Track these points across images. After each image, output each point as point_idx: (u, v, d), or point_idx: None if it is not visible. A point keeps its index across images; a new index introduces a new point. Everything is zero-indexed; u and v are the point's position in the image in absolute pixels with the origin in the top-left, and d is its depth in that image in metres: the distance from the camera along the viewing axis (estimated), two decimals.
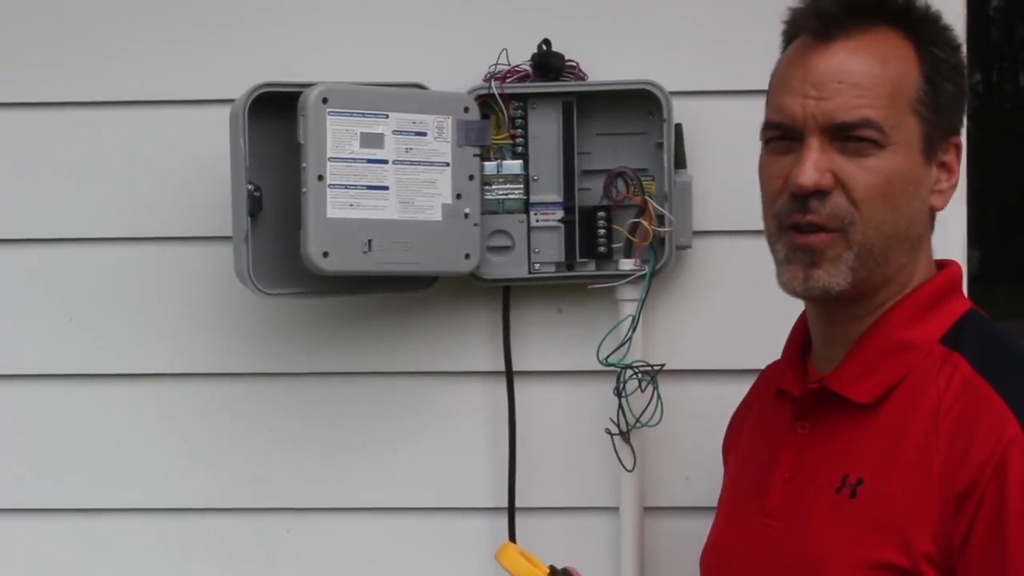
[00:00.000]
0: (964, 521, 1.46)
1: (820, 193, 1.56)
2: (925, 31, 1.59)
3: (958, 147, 1.61)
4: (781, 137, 1.62)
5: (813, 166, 1.56)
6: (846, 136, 1.56)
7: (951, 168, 1.60)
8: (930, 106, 1.57)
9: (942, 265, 1.66)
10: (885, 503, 1.52)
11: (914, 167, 1.57)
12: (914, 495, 1.49)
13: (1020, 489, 1.44)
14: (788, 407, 1.68)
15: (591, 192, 2.15)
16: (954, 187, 1.61)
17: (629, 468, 2.12)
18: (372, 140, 2.01)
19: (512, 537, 2.17)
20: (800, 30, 1.63)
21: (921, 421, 1.53)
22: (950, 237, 2.09)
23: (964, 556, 1.46)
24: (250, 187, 2.02)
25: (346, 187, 2.00)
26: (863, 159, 1.56)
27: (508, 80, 2.12)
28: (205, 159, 2.17)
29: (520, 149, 2.13)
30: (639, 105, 2.13)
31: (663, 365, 2.10)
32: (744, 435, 1.83)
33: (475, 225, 2.08)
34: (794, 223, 1.59)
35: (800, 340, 1.74)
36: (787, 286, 1.62)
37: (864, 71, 1.56)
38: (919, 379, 1.56)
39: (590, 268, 2.14)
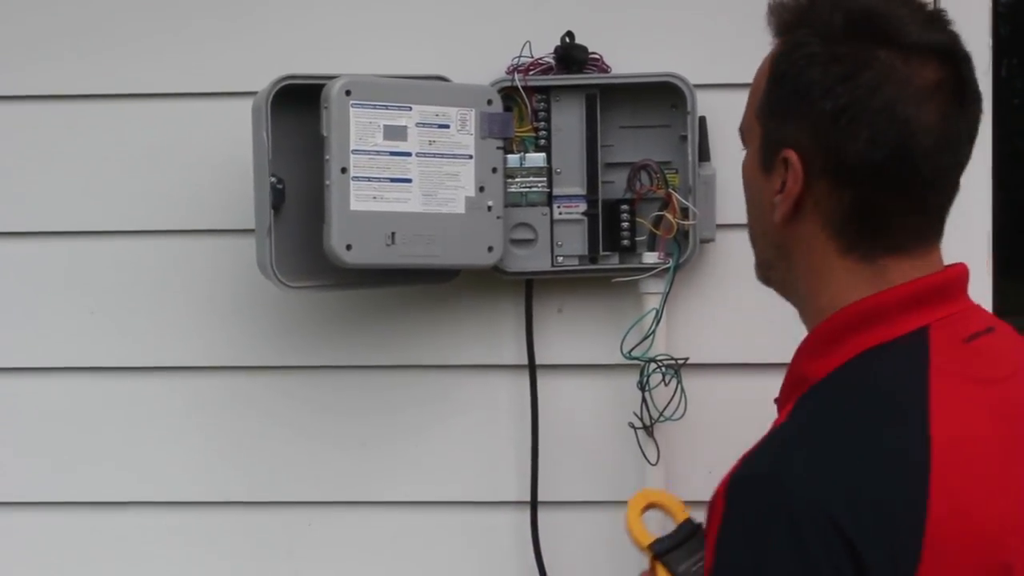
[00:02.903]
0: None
1: None
2: (792, 40, 1.49)
3: (786, 163, 1.46)
4: None
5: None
6: None
7: (783, 183, 1.47)
8: (766, 114, 1.51)
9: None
10: None
11: (754, 173, 1.54)
12: None
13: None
14: None
15: (614, 185, 2.15)
16: (787, 201, 1.47)
17: (653, 462, 2.12)
18: (395, 132, 2.01)
19: (535, 532, 2.16)
20: None
21: None
22: (973, 238, 2.09)
23: None
24: (273, 180, 2.01)
25: (369, 180, 1.99)
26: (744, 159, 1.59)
27: (531, 72, 2.12)
28: (228, 152, 2.17)
29: (543, 142, 2.13)
30: (663, 98, 2.12)
31: (687, 359, 2.10)
32: None
33: (498, 218, 2.08)
34: None
35: None
36: None
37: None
38: None
39: (613, 261, 2.14)
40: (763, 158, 1.52)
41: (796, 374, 1.54)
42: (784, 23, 1.52)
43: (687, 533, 1.79)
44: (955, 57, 1.46)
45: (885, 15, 1.46)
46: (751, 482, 1.40)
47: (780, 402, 1.56)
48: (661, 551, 1.78)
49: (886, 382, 1.44)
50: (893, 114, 1.42)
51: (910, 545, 1.36)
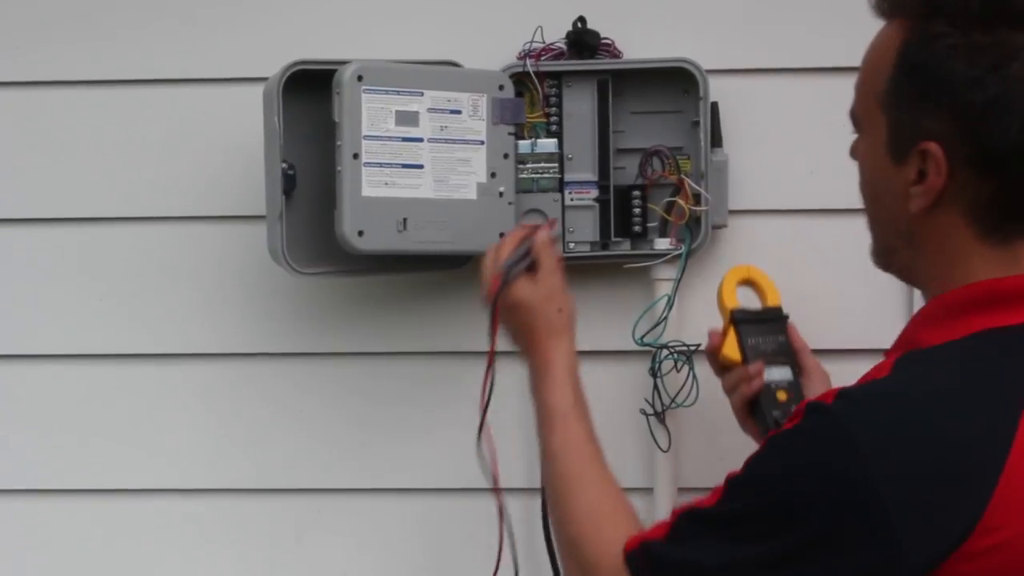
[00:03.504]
0: None
1: None
2: (925, 29, 1.48)
3: (924, 154, 1.47)
4: None
5: (851, 145, 1.63)
6: None
7: (925, 174, 1.48)
8: (895, 104, 1.50)
9: None
10: None
11: (879, 163, 1.54)
12: None
13: None
14: None
15: (626, 171, 2.14)
16: (929, 193, 1.48)
17: (664, 448, 2.12)
18: (407, 118, 2.01)
19: (545, 519, 2.13)
20: None
21: None
22: None
23: None
24: (284, 166, 2.01)
25: (381, 165, 1.99)
26: (860, 145, 1.60)
27: (543, 58, 2.11)
28: (239, 138, 2.16)
29: (554, 127, 2.12)
30: (674, 83, 2.12)
31: (699, 345, 2.08)
32: None
33: (509, 204, 2.08)
34: None
35: None
36: None
37: (862, 62, 1.57)
38: None
39: (625, 247, 2.14)
40: (893, 148, 1.51)
41: (908, 337, 1.55)
42: (903, 4, 1.51)
43: (770, 316, 1.94)
44: None
45: None
46: (829, 417, 1.43)
47: (889, 351, 1.57)
48: (739, 319, 1.92)
49: (994, 369, 1.45)
50: None
51: (953, 535, 1.39)
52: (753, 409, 1.92)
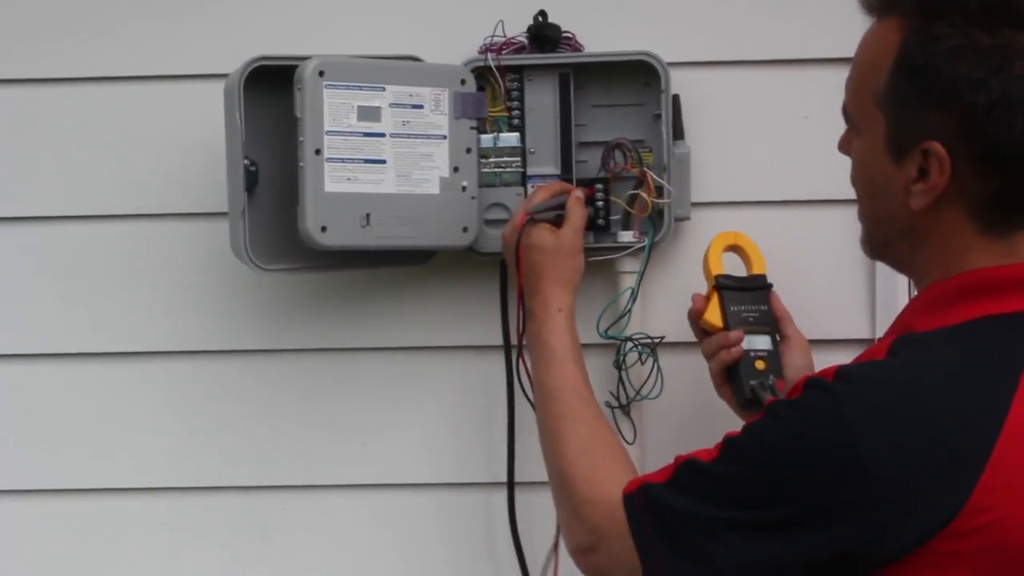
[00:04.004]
0: None
1: None
2: (925, 30, 1.50)
3: (926, 153, 1.49)
4: None
5: (840, 139, 1.67)
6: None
7: (927, 173, 1.50)
8: (894, 103, 1.53)
9: None
10: None
11: (879, 162, 1.56)
12: None
13: None
14: None
15: (588, 164, 2.14)
16: (932, 192, 1.51)
17: (630, 441, 2.11)
18: (369, 113, 2.00)
19: (512, 514, 2.16)
20: None
21: None
22: None
23: None
24: (246, 162, 2.00)
25: (343, 161, 1.98)
26: (855, 142, 1.61)
27: (504, 52, 2.10)
28: (200, 134, 2.15)
29: (517, 122, 2.11)
30: (636, 76, 2.11)
31: (663, 337, 2.09)
32: None
33: (472, 198, 2.07)
34: None
35: None
36: None
37: (856, 60, 1.59)
38: None
39: (588, 241, 2.11)
40: (893, 146, 1.53)
41: (904, 323, 1.58)
42: (897, 3, 1.53)
43: (755, 284, 1.97)
44: None
45: None
46: (827, 395, 1.47)
47: (884, 337, 1.61)
48: (723, 285, 1.96)
49: (987, 354, 1.49)
50: None
51: (940, 515, 1.42)
52: (730, 376, 1.95)
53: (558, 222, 1.97)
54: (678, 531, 1.54)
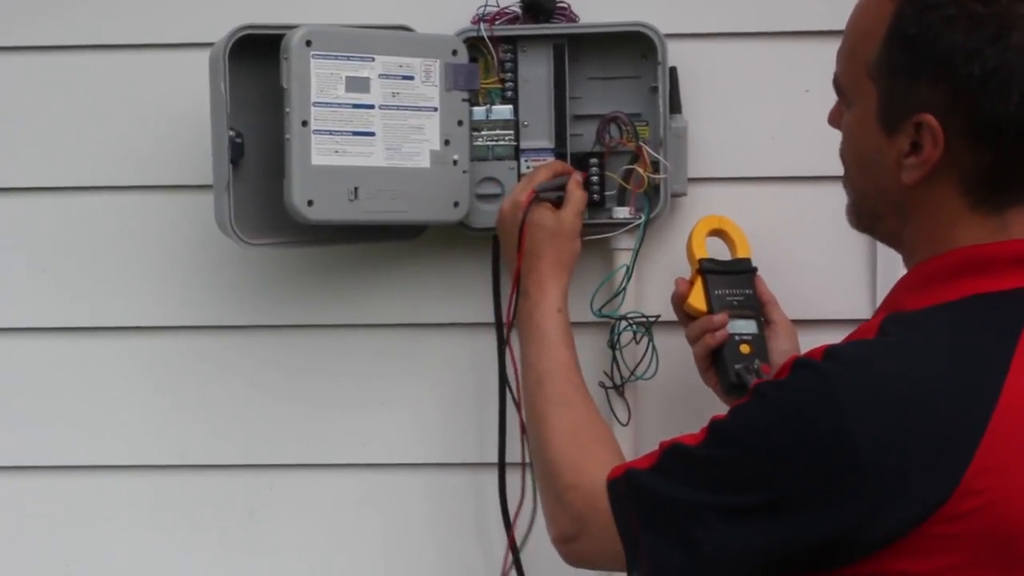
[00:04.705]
0: None
1: None
2: (916, 4, 1.47)
3: (919, 126, 1.47)
4: None
5: (830, 111, 1.64)
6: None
7: (919, 146, 1.48)
8: (887, 74, 1.50)
9: None
10: None
11: (869, 135, 1.54)
12: None
13: None
14: None
15: (583, 138, 2.11)
16: (924, 166, 1.48)
17: (623, 422, 2.09)
18: (358, 84, 1.97)
19: (503, 495, 2.14)
20: None
21: None
22: None
23: None
24: (231, 133, 1.97)
25: (331, 133, 1.96)
26: (846, 114, 1.60)
27: (497, 22, 2.08)
28: (184, 105, 2.12)
29: (510, 94, 2.09)
30: (632, 48, 2.08)
31: (658, 316, 2.06)
32: None
33: (464, 172, 2.05)
34: None
35: None
36: None
37: (848, 28, 1.58)
38: None
39: (584, 218, 2.07)
40: (884, 119, 1.51)
41: (893, 302, 1.56)
42: None
43: (739, 268, 1.98)
44: None
45: None
46: (816, 374, 1.45)
47: (874, 316, 1.58)
48: (707, 268, 1.96)
49: (978, 334, 1.46)
50: None
51: (932, 497, 1.40)
52: (715, 360, 1.94)
53: (557, 203, 1.96)
54: (662, 517, 1.52)
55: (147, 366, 2.22)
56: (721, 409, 1.63)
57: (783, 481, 1.44)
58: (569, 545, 1.67)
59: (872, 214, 1.60)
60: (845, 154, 1.61)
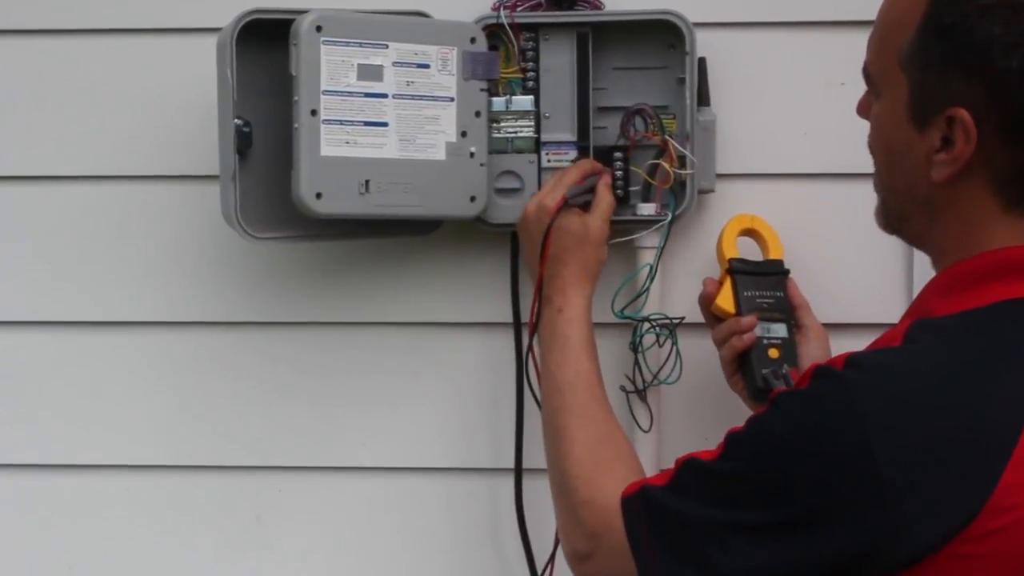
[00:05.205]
0: None
1: None
2: None
3: (951, 121, 1.43)
4: None
5: (859, 100, 1.61)
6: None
7: (951, 142, 1.44)
8: (919, 65, 1.47)
9: None
10: None
11: (898, 127, 1.50)
12: None
13: None
14: None
15: (607, 131, 2.08)
16: (955, 163, 1.45)
17: (645, 428, 2.05)
18: (370, 72, 1.93)
19: (519, 502, 2.10)
20: None
21: None
22: None
23: None
24: (238, 122, 1.94)
25: (341, 123, 1.92)
26: (875, 105, 1.57)
27: (519, 9, 2.05)
28: (191, 92, 2.10)
29: (531, 84, 2.06)
30: (659, 37, 2.05)
31: (683, 318, 2.02)
32: None
33: (481, 165, 2.01)
34: None
35: None
36: None
37: (880, 16, 1.55)
38: None
39: None
40: (915, 112, 1.47)
41: (921, 306, 1.54)
42: None
43: (770, 269, 1.97)
44: None
45: None
46: (837, 384, 1.41)
47: (901, 321, 1.56)
48: (737, 269, 1.95)
49: (1008, 342, 1.43)
50: None
51: (958, 515, 1.36)
52: (742, 364, 1.93)
53: (585, 207, 1.94)
54: (676, 535, 1.48)
55: (152, 362, 2.20)
56: (748, 415, 1.58)
57: (800, 496, 1.41)
58: (584, 565, 1.65)
59: (900, 213, 1.56)
60: (873, 148, 1.58)
